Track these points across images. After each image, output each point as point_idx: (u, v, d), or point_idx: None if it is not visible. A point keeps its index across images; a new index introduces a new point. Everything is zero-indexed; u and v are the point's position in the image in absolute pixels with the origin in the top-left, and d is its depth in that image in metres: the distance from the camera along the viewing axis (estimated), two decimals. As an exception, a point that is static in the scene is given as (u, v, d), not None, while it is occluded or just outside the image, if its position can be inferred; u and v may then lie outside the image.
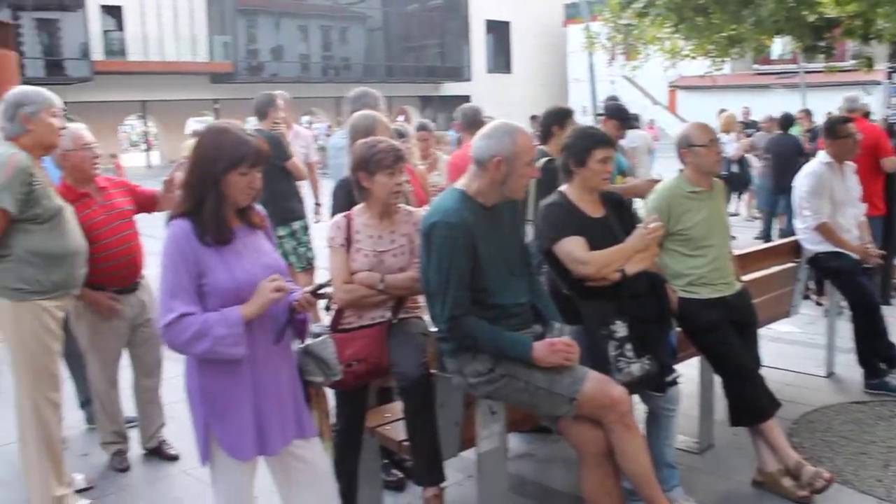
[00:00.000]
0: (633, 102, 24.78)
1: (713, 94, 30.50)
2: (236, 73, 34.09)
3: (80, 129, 4.35)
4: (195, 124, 39.36)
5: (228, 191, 2.69)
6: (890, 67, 9.09)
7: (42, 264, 3.80)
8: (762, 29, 3.54)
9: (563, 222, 3.66)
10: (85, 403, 5.10)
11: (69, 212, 3.97)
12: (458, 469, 4.08)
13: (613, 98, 7.46)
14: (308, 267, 6.65)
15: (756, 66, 33.55)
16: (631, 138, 7.67)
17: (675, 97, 39.24)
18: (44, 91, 3.91)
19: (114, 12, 32.25)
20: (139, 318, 4.52)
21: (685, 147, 4.16)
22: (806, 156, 9.15)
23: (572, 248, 3.60)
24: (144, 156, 37.55)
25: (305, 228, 6.63)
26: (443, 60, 40.62)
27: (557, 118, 5.06)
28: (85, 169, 4.31)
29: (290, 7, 35.97)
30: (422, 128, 7.06)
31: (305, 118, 34.18)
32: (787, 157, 10.33)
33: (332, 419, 3.58)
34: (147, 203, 4.59)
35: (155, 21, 32.67)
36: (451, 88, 40.09)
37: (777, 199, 10.96)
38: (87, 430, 5.11)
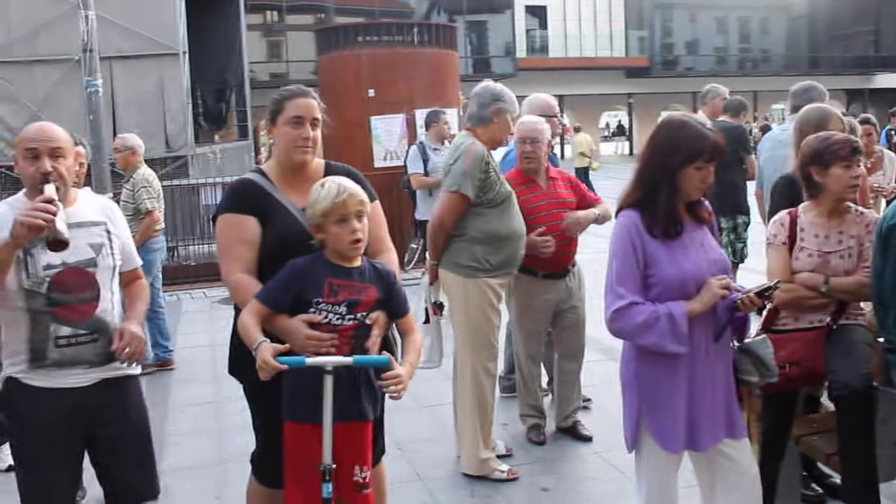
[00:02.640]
0: None
1: None
2: (651, 67, 34.22)
3: (533, 121, 4.60)
4: (608, 118, 40.23)
5: (682, 184, 2.70)
6: None
7: (490, 244, 4.15)
8: None
9: None
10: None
11: (514, 197, 4.29)
12: (889, 496, 3.73)
13: None
14: (738, 262, 6.78)
15: None
16: None
17: None
18: (513, 95, 4.28)
19: (537, 12, 34.04)
20: (564, 303, 4.70)
21: None
22: None
23: None
24: (558, 149, 39.21)
25: (747, 225, 6.80)
26: (876, 49, 37.02)
27: None
28: (519, 159, 4.57)
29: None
30: (865, 121, 6.54)
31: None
32: None
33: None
34: (582, 207, 4.68)
35: (575, 19, 33.96)
36: (884, 80, 36.46)
37: None
38: (499, 398, 5.43)
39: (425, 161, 8.25)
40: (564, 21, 33.89)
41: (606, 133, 41.32)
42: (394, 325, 2.90)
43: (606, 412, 4.71)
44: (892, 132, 12.65)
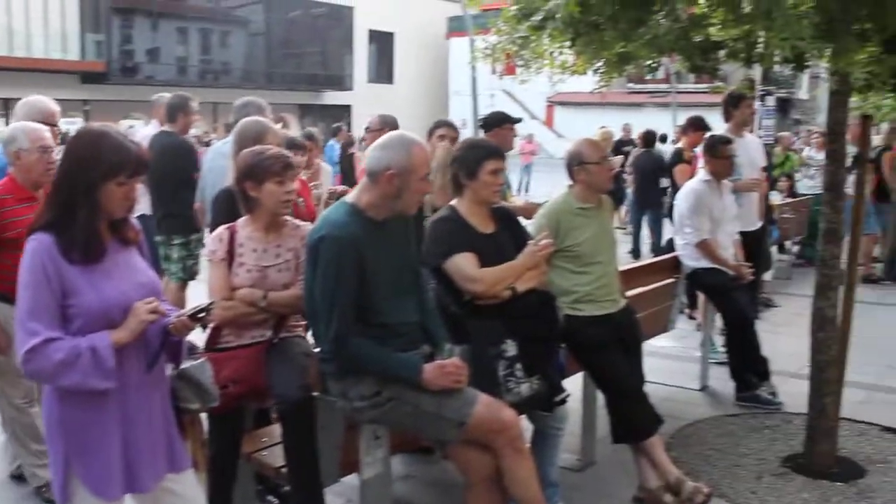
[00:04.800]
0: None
1: (588, 111, 31.21)
2: (109, 73, 32.72)
3: (42, 129, 4.02)
4: (65, 125, 37.58)
5: (103, 202, 2.44)
6: (762, 90, 9.46)
7: None
8: (657, 47, 3.60)
9: (453, 238, 3.56)
10: None
11: None
12: (337, 493, 3.91)
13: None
14: (189, 279, 6.51)
15: (630, 85, 34.64)
16: None
17: (552, 112, 40.05)
18: None
19: (-24, 4, 30.52)
20: None
21: (577, 164, 4.13)
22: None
23: (463, 264, 3.50)
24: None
25: (200, 241, 6.40)
26: (324, 68, 40.11)
27: None
28: (38, 171, 3.93)
29: (168, 8, 34.83)
30: (309, 136, 6.82)
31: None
32: (648, 175, 10.60)
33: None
34: None
35: (22, 15, 31.06)
36: (331, 97, 39.70)
37: (641, 215, 11.22)
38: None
39: None
40: (9, 16, 30.79)
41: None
42: None
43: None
44: (343, 145, 13.72)
